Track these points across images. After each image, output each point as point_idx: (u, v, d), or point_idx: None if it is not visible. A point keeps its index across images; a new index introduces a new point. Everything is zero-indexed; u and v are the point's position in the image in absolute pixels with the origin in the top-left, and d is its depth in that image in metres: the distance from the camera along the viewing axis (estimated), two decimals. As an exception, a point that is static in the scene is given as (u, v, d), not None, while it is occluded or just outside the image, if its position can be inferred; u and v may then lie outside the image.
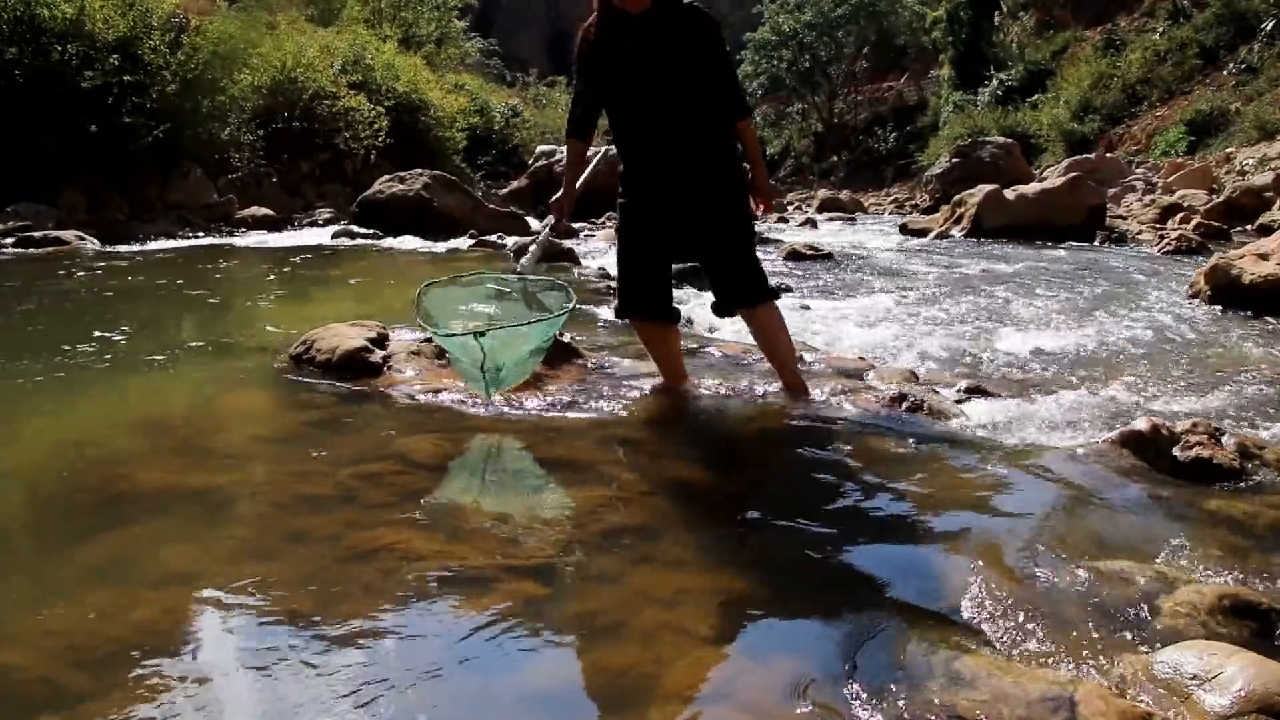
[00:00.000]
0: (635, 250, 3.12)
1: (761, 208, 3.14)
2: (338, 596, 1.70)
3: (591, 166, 3.30)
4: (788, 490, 2.28)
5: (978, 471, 2.47)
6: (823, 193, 25.27)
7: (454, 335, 2.75)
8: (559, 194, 3.24)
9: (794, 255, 8.65)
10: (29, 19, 10.43)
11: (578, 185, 3.22)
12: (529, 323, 2.86)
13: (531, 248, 3.26)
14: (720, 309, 3.15)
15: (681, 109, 2.92)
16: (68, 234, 8.67)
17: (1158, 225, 11.95)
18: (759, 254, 3.18)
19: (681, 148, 2.96)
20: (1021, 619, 1.68)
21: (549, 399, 2.99)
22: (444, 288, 3.14)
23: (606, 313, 4.98)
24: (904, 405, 3.01)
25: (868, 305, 5.85)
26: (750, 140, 3.09)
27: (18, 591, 1.74)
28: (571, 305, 2.97)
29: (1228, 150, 18.28)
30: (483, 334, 2.62)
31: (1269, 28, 21.87)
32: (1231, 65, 22.47)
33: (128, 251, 8.42)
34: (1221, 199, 12.37)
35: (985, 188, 12.26)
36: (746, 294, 3.08)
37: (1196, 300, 5.91)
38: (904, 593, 1.75)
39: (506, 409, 2.90)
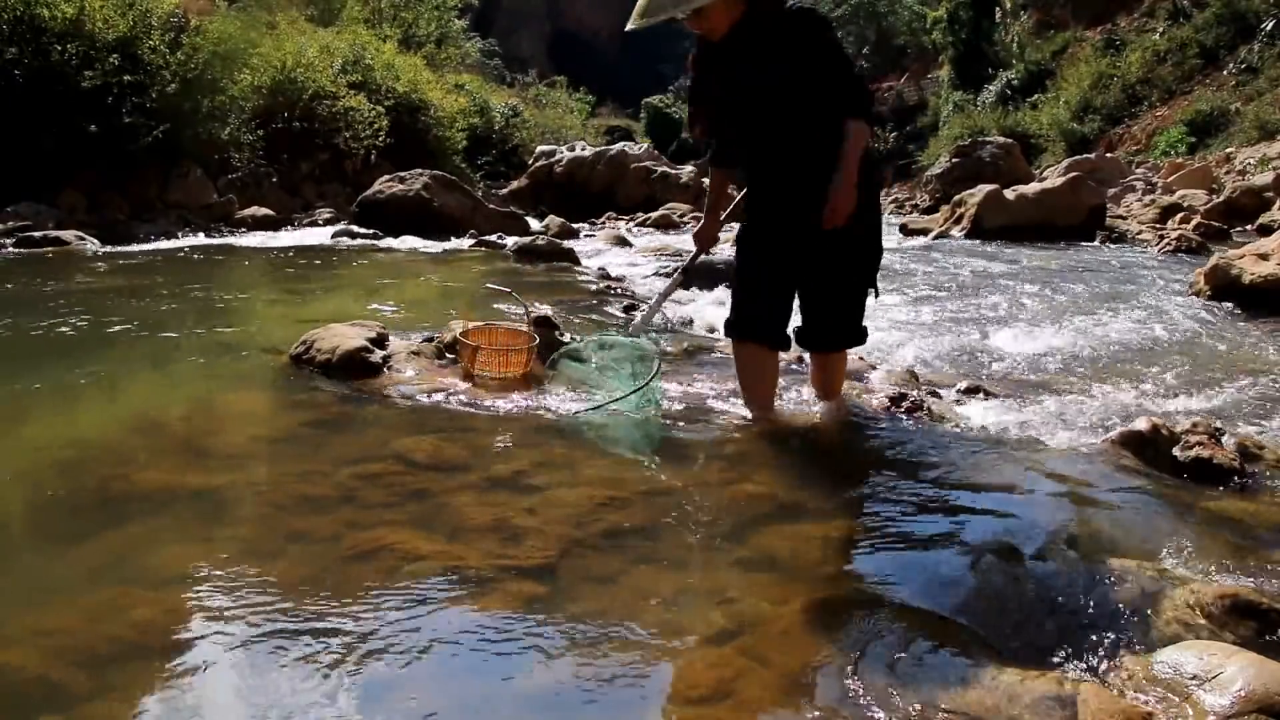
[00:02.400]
0: (755, 265, 2.83)
1: (832, 214, 2.57)
2: (338, 596, 1.71)
3: (739, 199, 3.01)
4: (786, 490, 2.29)
5: (977, 472, 2.47)
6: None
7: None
8: (700, 226, 3.03)
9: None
10: (29, 19, 10.41)
11: (722, 217, 3.00)
12: (598, 406, 2.88)
13: (651, 301, 3.06)
14: (805, 343, 2.92)
15: (796, 136, 2.65)
16: (68, 234, 8.64)
17: (1158, 225, 11.93)
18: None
19: (801, 178, 2.66)
20: (1022, 618, 1.68)
21: (550, 399, 2.99)
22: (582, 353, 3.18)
23: (615, 310, 4.99)
24: (904, 405, 3.01)
25: (867, 305, 5.83)
26: (853, 138, 2.56)
27: (18, 591, 1.74)
28: (649, 379, 2.83)
29: (1228, 150, 18.29)
30: (576, 415, 2.88)
31: (1269, 28, 21.87)
32: (1231, 65, 22.47)
33: (128, 251, 8.41)
34: (1221, 199, 12.37)
35: (985, 188, 12.24)
36: (837, 341, 2.89)
37: (1196, 300, 5.91)
38: (904, 592, 1.75)
39: (508, 409, 2.90)
